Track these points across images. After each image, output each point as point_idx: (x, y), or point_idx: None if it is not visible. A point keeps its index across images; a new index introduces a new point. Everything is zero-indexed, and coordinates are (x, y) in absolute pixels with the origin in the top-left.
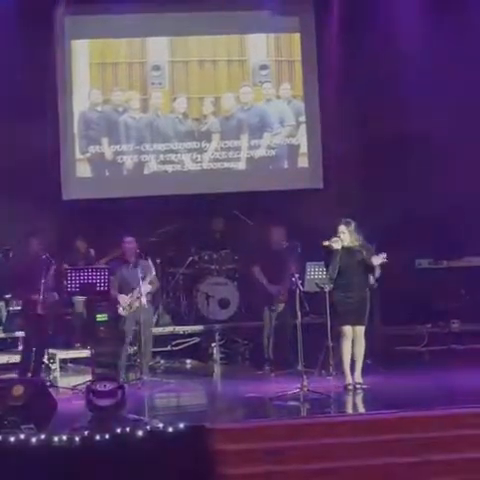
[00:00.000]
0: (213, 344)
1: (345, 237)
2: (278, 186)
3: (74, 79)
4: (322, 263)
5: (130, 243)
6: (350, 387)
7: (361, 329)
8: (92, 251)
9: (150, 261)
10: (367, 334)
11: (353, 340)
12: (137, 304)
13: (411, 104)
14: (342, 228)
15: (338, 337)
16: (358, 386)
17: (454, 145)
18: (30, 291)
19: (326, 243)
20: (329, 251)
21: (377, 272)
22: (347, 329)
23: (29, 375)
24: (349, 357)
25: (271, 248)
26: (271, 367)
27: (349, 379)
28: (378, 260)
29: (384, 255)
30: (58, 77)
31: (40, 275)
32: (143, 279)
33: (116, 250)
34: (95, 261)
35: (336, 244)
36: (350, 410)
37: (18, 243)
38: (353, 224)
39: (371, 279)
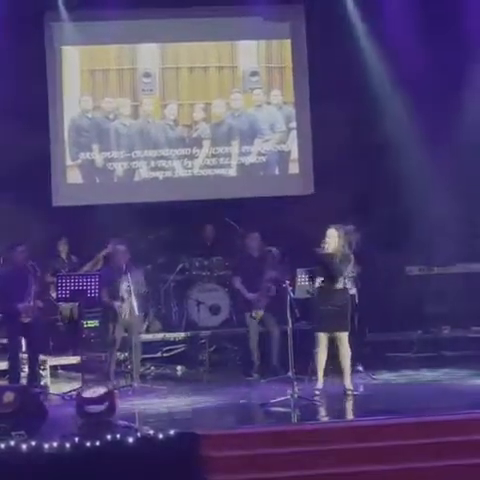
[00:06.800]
0: (204, 351)
1: (332, 242)
2: (269, 192)
3: (64, 86)
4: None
5: (123, 251)
6: (317, 392)
7: (344, 335)
8: (74, 257)
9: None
10: (351, 340)
11: (337, 347)
12: (126, 311)
13: (403, 109)
14: (332, 232)
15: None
16: (349, 393)
17: (446, 150)
18: (14, 300)
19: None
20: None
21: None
22: (321, 336)
23: (25, 383)
24: (323, 363)
25: (249, 255)
26: (260, 373)
27: (321, 384)
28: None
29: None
30: (48, 84)
31: (24, 283)
32: (132, 287)
33: (99, 255)
34: (78, 267)
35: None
36: (341, 416)
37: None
38: (342, 230)
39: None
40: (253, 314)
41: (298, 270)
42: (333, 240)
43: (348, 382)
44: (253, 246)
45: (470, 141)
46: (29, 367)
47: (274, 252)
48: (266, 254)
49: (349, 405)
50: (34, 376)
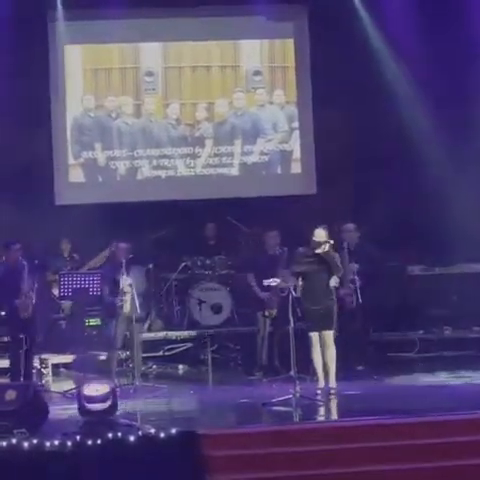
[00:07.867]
0: (205, 349)
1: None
2: (271, 192)
3: (67, 84)
4: None
5: (124, 249)
6: (319, 392)
7: (329, 334)
8: (76, 256)
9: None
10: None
11: (323, 345)
12: (128, 306)
13: (404, 110)
14: (321, 232)
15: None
16: (332, 391)
17: (447, 149)
18: (12, 296)
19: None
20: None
21: (335, 280)
22: (313, 335)
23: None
24: (320, 361)
25: (265, 253)
26: (263, 372)
27: (322, 383)
28: (333, 282)
29: (337, 280)
30: (51, 82)
31: (19, 281)
32: (133, 284)
33: (102, 253)
34: (80, 265)
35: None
36: (342, 416)
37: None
38: (328, 230)
39: (332, 281)
40: (266, 313)
41: None
42: (325, 240)
43: (332, 380)
44: (271, 244)
45: (471, 140)
46: (24, 364)
47: (285, 251)
48: (279, 253)
49: (350, 405)
50: (28, 373)
